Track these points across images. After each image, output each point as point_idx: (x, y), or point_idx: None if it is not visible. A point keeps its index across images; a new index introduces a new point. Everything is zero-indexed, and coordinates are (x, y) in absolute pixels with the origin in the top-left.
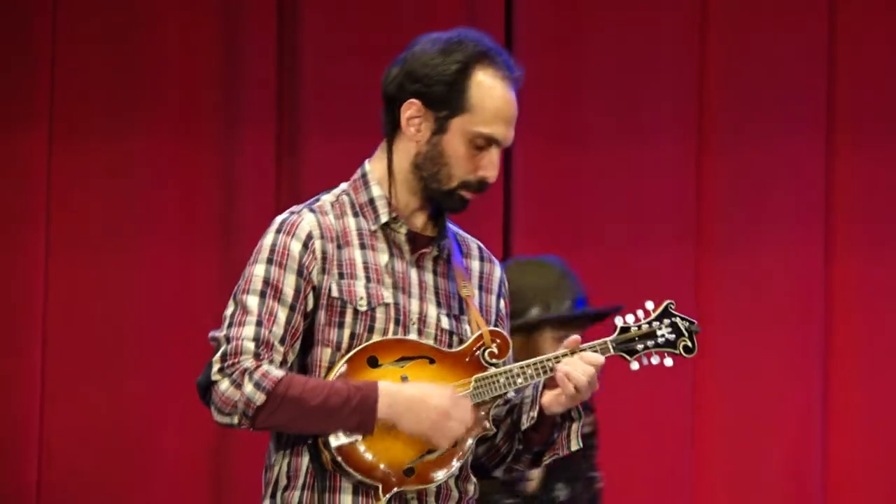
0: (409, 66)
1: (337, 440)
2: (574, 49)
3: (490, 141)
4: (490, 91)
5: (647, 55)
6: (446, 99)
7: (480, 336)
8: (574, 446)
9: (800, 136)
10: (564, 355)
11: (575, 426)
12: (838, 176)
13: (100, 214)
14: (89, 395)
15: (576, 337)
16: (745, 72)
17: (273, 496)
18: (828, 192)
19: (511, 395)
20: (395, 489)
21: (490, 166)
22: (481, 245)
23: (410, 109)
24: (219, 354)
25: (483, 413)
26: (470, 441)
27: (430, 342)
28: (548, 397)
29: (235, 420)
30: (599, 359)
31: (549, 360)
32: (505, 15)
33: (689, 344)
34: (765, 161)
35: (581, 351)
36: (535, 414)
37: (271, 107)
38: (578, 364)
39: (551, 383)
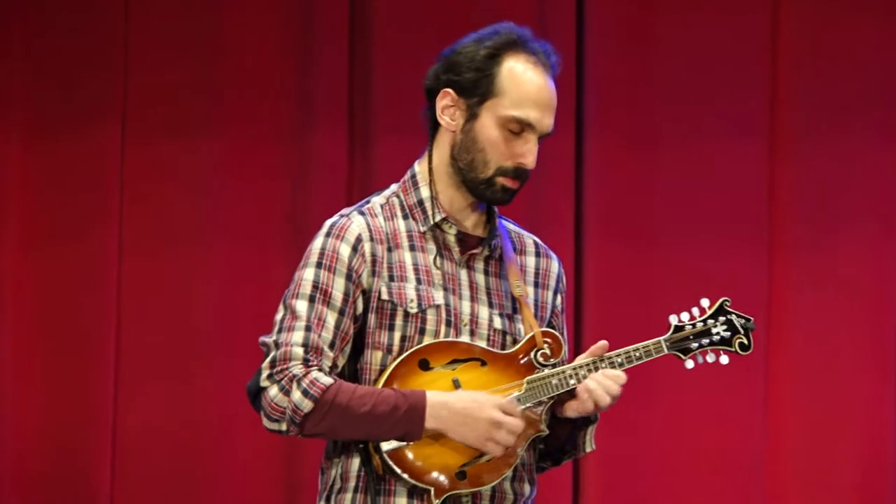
0: (446, 59)
1: (388, 444)
2: (645, 50)
3: (523, 125)
4: (521, 75)
5: (719, 56)
6: (476, 85)
7: (533, 337)
8: (588, 448)
9: (873, 135)
10: (610, 359)
11: (591, 428)
12: None
13: (172, 213)
14: (162, 393)
15: (603, 343)
16: (817, 72)
17: (328, 499)
18: None
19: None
20: (448, 493)
21: (527, 152)
22: (538, 240)
23: (445, 99)
24: (268, 360)
25: (537, 415)
26: (524, 444)
27: (483, 343)
28: (560, 402)
29: (284, 427)
30: (621, 376)
31: (601, 360)
32: (576, 17)
33: (745, 341)
34: (837, 161)
35: (627, 353)
36: (546, 419)
37: (343, 106)
38: (602, 381)
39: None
